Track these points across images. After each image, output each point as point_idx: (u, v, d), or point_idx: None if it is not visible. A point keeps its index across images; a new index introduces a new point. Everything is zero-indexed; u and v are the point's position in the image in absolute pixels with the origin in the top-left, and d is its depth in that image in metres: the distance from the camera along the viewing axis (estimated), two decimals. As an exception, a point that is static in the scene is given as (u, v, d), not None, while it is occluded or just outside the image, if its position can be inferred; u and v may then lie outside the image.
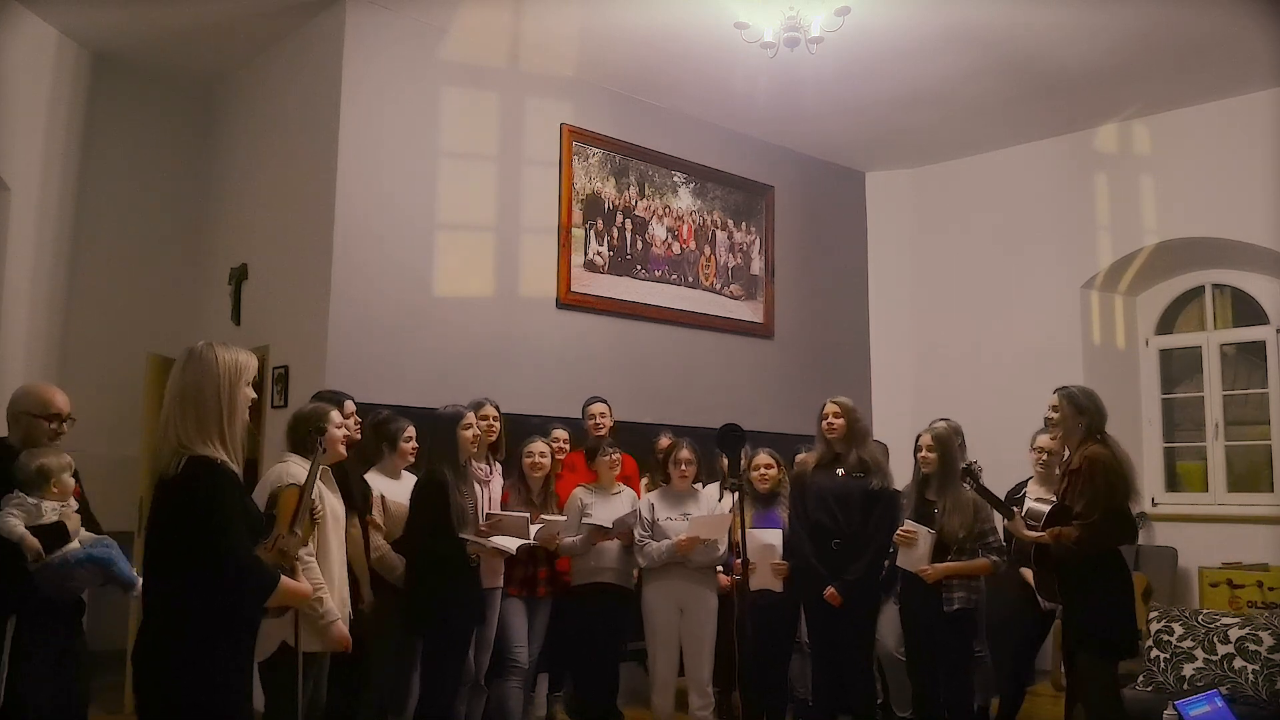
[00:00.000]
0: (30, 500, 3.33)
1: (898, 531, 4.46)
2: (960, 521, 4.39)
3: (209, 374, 2.46)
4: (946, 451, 4.48)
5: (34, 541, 3.26)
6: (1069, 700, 4.53)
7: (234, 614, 2.46)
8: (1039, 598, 4.55)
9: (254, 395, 2.58)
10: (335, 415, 3.62)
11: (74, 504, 3.43)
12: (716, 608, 4.62)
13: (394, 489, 4.25)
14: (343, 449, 3.64)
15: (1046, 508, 4.08)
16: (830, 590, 4.48)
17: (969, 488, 4.33)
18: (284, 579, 2.68)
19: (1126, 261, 6.95)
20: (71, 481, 3.42)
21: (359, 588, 3.84)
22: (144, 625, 2.43)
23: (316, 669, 3.52)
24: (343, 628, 3.35)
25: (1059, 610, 4.48)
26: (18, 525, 3.27)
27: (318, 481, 3.42)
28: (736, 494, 4.32)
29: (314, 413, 3.61)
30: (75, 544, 3.34)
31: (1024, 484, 4.97)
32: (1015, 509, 4.28)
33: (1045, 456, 4.81)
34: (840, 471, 4.64)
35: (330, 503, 3.47)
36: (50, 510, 3.36)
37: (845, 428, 4.67)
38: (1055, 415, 4.16)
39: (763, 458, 4.82)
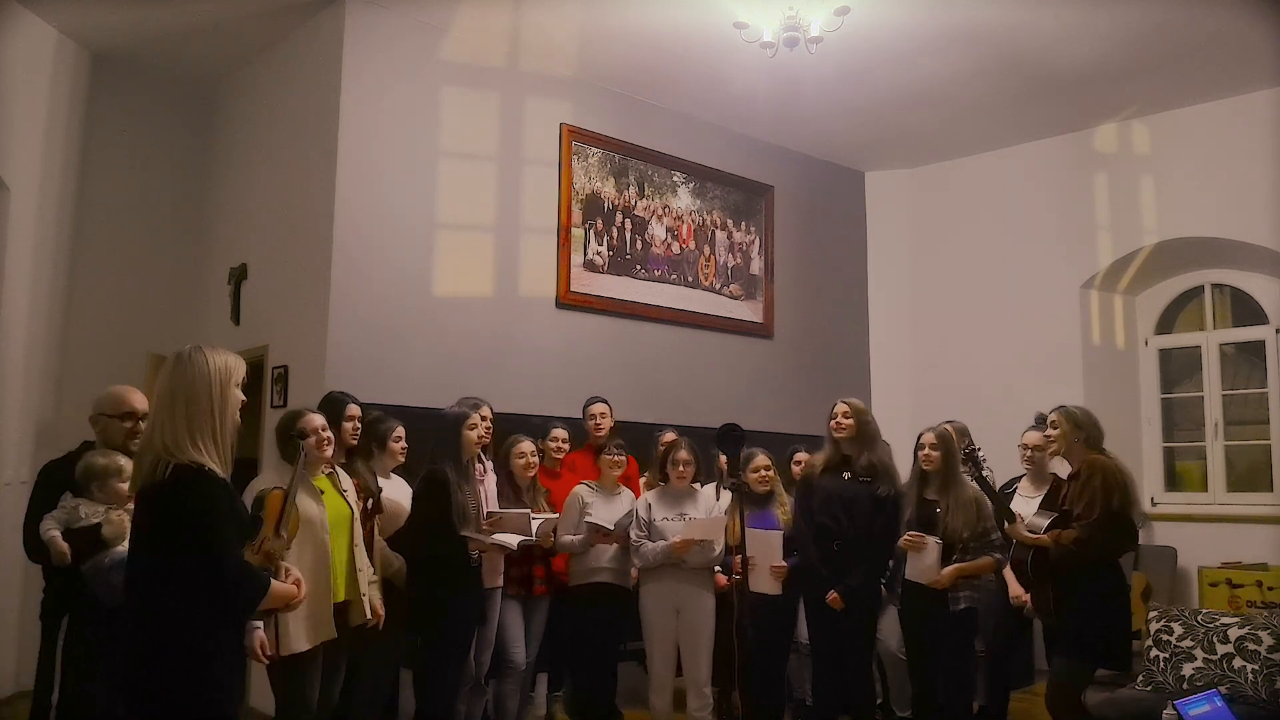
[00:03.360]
0: (71, 501, 3.31)
1: (906, 536, 4.42)
2: (964, 521, 4.37)
3: (200, 377, 2.44)
4: (949, 451, 4.47)
5: (62, 546, 3.24)
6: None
7: (225, 616, 2.46)
8: (1012, 593, 4.57)
9: (243, 398, 2.57)
10: (311, 420, 3.58)
11: (123, 510, 3.36)
12: (713, 608, 4.61)
13: (384, 487, 4.24)
14: (319, 453, 3.61)
15: (1046, 519, 4.10)
16: (833, 595, 4.47)
17: (969, 475, 4.34)
18: (273, 583, 2.66)
19: (1126, 261, 6.95)
20: (122, 487, 3.36)
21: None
22: (131, 629, 2.41)
23: (331, 666, 3.52)
24: (259, 635, 3.14)
25: (1029, 608, 4.51)
26: (51, 528, 3.26)
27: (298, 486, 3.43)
28: (735, 494, 4.33)
29: (288, 418, 3.62)
30: (121, 548, 3.24)
31: (1016, 481, 4.98)
32: (1019, 514, 4.29)
33: (1032, 453, 4.83)
34: (847, 475, 4.61)
35: (302, 506, 3.45)
36: (91, 514, 3.32)
37: (854, 429, 4.61)
38: (1054, 432, 4.17)
39: (762, 459, 4.81)
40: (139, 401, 3.56)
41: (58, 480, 3.52)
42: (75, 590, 3.33)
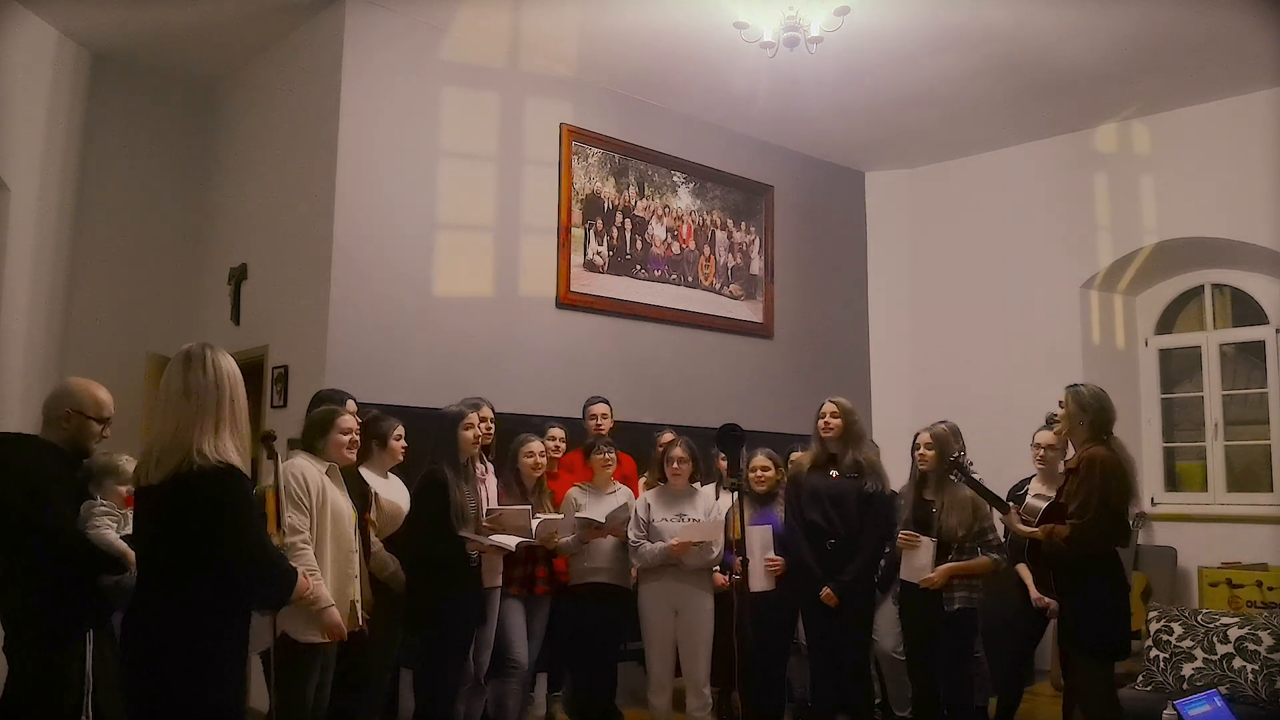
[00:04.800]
0: (119, 510, 3.19)
1: (900, 535, 4.43)
2: (959, 520, 4.38)
3: (222, 378, 2.48)
4: (945, 450, 4.47)
5: (132, 554, 3.03)
6: (1067, 700, 4.53)
7: (247, 608, 2.52)
8: (1033, 595, 4.55)
9: None
10: (343, 420, 3.66)
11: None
12: (712, 609, 4.62)
13: (382, 487, 4.24)
14: (348, 454, 3.69)
15: (1044, 504, 4.08)
16: (827, 591, 4.48)
17: (957, 480, 4.33)
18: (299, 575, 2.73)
19: (1126, 261, 6.95)
20: (123, 489, 3.25)
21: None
22: (138, 628, 2.41)
23: (323, 664, 3.52)
24: (335, 615, 3.36)
25: (1052, 609, 4.49)
26: (117, 538, 3.11)
27: (324, 478, 3.47)
28: (736, 494, 4.33)
29: (326, 415, 3.67)
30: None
31: (1026, 481, 4.97)
32: (1012, 504, 4.28)
33: (1045, 453, 4.82)
34: (834, 473, 4.63)
35: (335, 499, 3.49)
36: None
37: (842, 428, 4.65)
38: (1062, 411, 4.16)
39: (760, 459, 4.81)
40: (111, 403, 3.43)
41: (58, 477, 3.39)
42: (100, 603, 3.14)
